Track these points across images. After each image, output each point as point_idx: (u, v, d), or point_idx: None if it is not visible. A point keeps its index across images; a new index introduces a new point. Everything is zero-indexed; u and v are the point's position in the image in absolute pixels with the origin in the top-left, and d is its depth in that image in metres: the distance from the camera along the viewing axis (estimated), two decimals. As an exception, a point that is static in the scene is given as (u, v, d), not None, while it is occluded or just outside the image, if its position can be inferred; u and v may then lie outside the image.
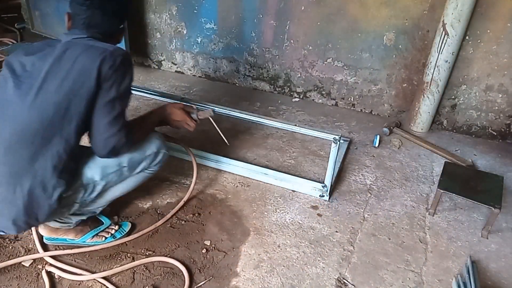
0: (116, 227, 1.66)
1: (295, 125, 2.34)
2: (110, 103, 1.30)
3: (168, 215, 1.76)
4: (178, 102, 1.98)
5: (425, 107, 2.56)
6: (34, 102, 1.22)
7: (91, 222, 1.64)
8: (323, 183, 1.95)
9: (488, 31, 2.33)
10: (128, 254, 1.58)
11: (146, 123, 1.60)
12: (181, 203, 1.82)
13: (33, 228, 1.63)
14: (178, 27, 3.22)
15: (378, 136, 2.48)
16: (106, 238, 1.62)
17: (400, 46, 2.59)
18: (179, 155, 2.20)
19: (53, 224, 1.55)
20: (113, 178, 1.44)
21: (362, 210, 1.90)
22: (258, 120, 2.47)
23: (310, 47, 2.84)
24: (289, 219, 1.82)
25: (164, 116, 1.67)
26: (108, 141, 1.32)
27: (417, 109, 2.60)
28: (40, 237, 1.61)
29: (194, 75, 3.41)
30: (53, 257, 1.54)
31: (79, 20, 1.38)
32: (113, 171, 1.43)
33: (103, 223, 1.67)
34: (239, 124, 2.60)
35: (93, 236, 1.61)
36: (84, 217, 1.57)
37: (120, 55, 1.31)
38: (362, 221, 1.84)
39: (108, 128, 1.31)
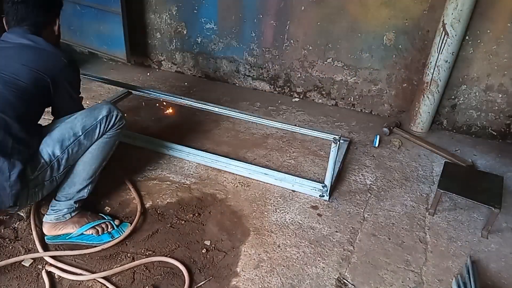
0: (115, 225, 1.67)
1: (295, 125, 2.34)
2: None
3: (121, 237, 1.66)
4: None
5: (425, 107, 2.56)
6: None
7: (90, 216, 1.67)
8: (323, 183, 1.95)
9: (488, 31, 2.33)
10: (128, 254, 1.58)
11: None
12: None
13: (33, 228, 1.64)
14: (178, 27, 3.22)
15: (378, 136, 2.48)
16: (99, 232, 1.63)
17: (400, 46, 2.59)
18: (180, 155, 2.20)
19: (48, 218, 1.60)
20: (74, 149, 1.50)
21: (362, 210, 1.90)
22: (258, 120, 2.47)
23: (310, 47, 2.84)
24: (289, 219, 1.82)
25: None
26: None
27: (417, 109, 2.60)
28: (41, 237, 1.61)
29: (194, 75, 3.41)
30: (53, 257, 1.53)
31: (11, 18, 1.52)
32: (71, 142, 1.49)
33: (103, 219, 1.69)
34: (239, 124, 2.60)
35: (89, 228, 1.62)
36: (72, 202, 1.60)
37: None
38: (362, 221, 1.84)
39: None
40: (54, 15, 1.62)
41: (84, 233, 1.62)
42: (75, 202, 1.62)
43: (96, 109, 1.56)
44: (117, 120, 1.59)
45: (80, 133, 1.50)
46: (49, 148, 1.45)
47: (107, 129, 1.57)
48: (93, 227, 1.63)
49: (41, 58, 1.47)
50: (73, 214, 1.62)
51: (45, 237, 1.62)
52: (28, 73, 1.41)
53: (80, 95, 1.68)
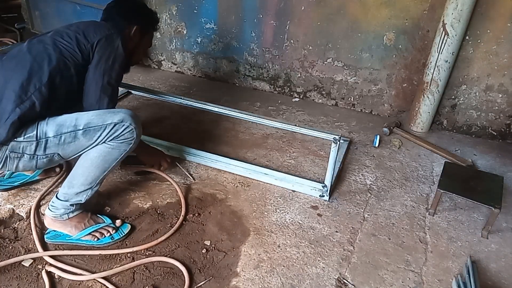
0: (113, 231, 1.65)
1: (295, 125, 2.34)
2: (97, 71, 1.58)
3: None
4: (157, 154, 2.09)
5: (425, 107, 2.56)
6: (31, 43, 1.56)
7: (89, 220, 1.64)
8: (323, 183, 1.95)
9: (488, 31, 2.33)
10: (128, 254, 1.58)
11: None
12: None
13: (33, 228, 1.64)
14: (178, 27, 3.22)
15: (378, 136, 2.48)
16: (98, 238, 1.61)
17: (400, 46, 2.59)
18: (180, 155, 2.20)
19: (48, 213, 1.59)
20: (67, 139, 1.46)
21: (362, 210, 1.90)
22: (258, 120, 2.47)
23: (310, 47, 2.84)
24: (289, 219, 1.82)
25: (142, 156, 2.01)
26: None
27: (417, 109, 2.60)
28: (41, 237, 1.61)
29: (194, 75, 3.41)
30: (53, 257, 1.54)
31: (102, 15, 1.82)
32: (67, 132, 1.46)
33: (103, 222, 1.67)
34: (239, 124, 2.60)
35: (87, 234, 1.61)
36: (68, 204, 1.57)
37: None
38: (362, 221, 1.84)
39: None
40: (130, 22, 1.78)
41: (82, 238, 1.60)
42: (71, 205, 1.58)
43: (112, 113, 1.52)
44: (126, 131, 1.52)
45: (81, 128, 1.47)
46: (46, 126, 1.45)
47: (111, 137, 1.50)
48: (92, 234, 1.61)
49: (90, 25, 1.63)
50: (71, 215, 1.59)
51: (45, 236, 1.61)
52: (72, 36, 1.56)
53: (114, 85, 1.64)
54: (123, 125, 1.51)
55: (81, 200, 1.59)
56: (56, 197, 1.60)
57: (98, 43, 1.56)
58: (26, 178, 1.88)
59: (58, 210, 1.58)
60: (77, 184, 1.56)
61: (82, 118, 1.48)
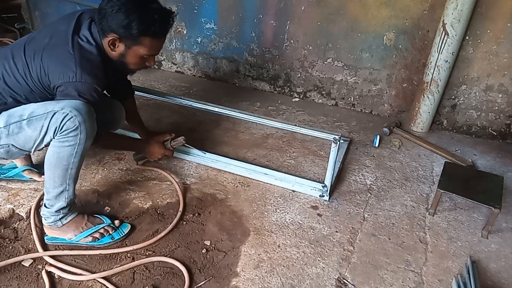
0: (112, 231, 1.64)
1: (295, 125, 2.33)
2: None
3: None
4: (157, 136, 2.06)
5: (425, 107, 2.56)
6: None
7: (86, 223, 1.63)
8: (323, 183, 1.95)
9: (488, 31, 2.33)
10: (128, 254, 1.58)
11: (122, 140, 1.99)
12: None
13: (33, 228, 1.64)
14: (178, 27, 3.22)
15: (378, 136, 2.48)
16: (98, 239, 1.61)
17: (400, 46, 2.59)
18: (179, 155, 2.20)
19: (44, 222, 1.58)
20: (15, 130, 1.45)
21: (362, 210, 1.90)
22: (258, 120, 2.46)
23: (310, 47, 2.84)
24: (289, 219, 1.82)
25: (143, 153, 2.03)
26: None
27: (417, 109, 2.60)
28: (41, 237, 1.61)
29: (194, 75, 3.41)
30: (53, 257, 1.54)
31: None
32: (14, 122, 1.45)
33: (102, 223, 1.66)
34: (239, 124, 2.60)
35: (86, 236, 1.60)
36: (53, 210, 1.55)
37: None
38: (362, 221, 1.84)
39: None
40: (104, 32, 1.50)
41: (82, 241, 1.60)
42: (57, 211, 1.55)
43: (56, 101, 1.44)
44: (66, 119, 1.39)
45: (25, 118, 1.44)
46: (0, 117, 1.47)
47: (55, 128, 1.41)
48: (91, 235, 1.61)
49: (57, 62, 1.45)
50: (64, 221, 1.58)
51: (45, 237, 1.62)
52: (38, 71, 1.47)
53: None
54: (63, 112, 1.39)
55: (63, 204, 1.54)
56: (44, 205, 1.57)
57: (58, 89, 1.47)
58: (8, 173, 1.89)
59: (49, 218, 1.57)
60: (50, 188, 1.52)
61: (28, 108, 1.46)
